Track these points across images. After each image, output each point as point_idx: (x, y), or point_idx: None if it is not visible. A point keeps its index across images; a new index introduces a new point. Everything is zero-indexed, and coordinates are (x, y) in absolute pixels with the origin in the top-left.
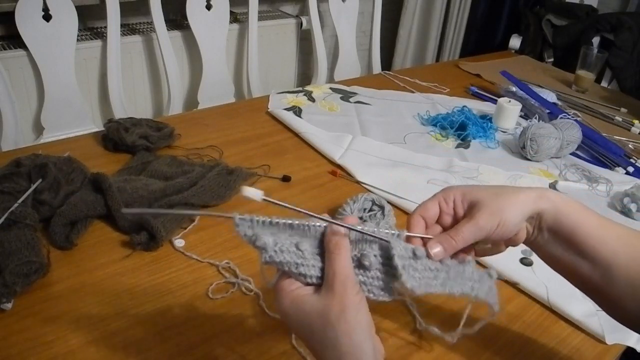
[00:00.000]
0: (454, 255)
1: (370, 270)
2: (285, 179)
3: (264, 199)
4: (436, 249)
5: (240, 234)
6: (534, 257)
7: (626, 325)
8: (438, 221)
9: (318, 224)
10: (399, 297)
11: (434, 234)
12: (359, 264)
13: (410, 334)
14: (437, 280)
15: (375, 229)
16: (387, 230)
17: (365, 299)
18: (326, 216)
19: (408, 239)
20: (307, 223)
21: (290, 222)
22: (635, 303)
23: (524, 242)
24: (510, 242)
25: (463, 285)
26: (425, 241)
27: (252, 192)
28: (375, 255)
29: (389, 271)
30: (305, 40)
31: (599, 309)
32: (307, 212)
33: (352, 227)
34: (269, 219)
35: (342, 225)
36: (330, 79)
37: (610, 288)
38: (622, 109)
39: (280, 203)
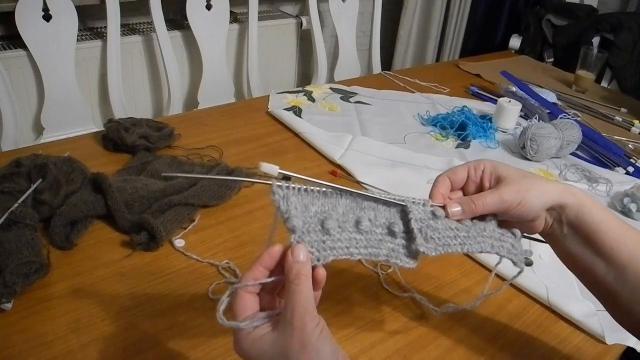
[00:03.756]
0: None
1: (397, 237)
2: (286, 179)
3: (281, 172)
4: (455, 209)
5: (275, 204)
6: (534, 258)
7: (631, 332)
8: (463, 189)
9: (354, 190)
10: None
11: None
12: (390, 231)
13: (410, 334)
14: (456, 239)
15: (396, 196)
16: (413, 199)
17: (327, 329)
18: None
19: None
20: (341, 187)
21: (324, 190)
22: None
23: (541, 234)
24: (527, 227)
25: (483, 244)
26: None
27: (268, 167)
28: (399, 224)
29: (411, 237)
30: (305, 40)
31: (600, 309)
32: (328, 183)
33: (371, 195)
34: (304, 187)
35: (361, 194)
36: (330, 79)
37: (622, 291)
38: (622, 109)
39: (299, 176)
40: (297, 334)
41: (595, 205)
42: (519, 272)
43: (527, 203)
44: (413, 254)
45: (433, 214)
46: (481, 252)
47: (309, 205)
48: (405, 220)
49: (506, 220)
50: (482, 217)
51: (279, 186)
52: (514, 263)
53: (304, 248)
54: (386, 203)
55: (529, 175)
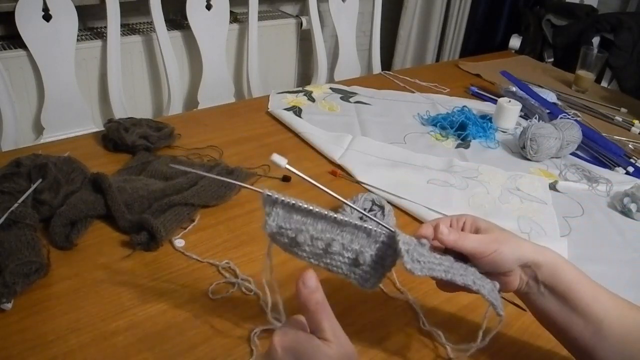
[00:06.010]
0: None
1: (359, 267)
2: (285, 179)
3: (287, 167)
4: (443, 227)
5: (262, 204)
6: None
7: None
8: None
9: (338, 217)
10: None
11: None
12: (355, 261)
13: (409, 336)
14: (440, 266)
15: (383, 224)
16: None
17: None
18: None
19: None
20: (329, 214)
21: (311, 208)
22: None
23: (517, 294)
24: (502, 283)
25: (465, 277)
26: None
27: (278, 159)
28: (370, 255)
29: (378, 264)
30: (305, 40)
31: None
32: (330, 192)
33: (366, 214)
34: (293, 201)
35: (357, 209)
36: (330, 79)
37: (600, 347)
38: (622, 109)
39: (303, 176)
40: (343, 349)
41: (569, 265)
42: (500, 322)
43: (502, 253)
44: (372, 281)
45: (419, 242)
46: (464, 284)
47: (293, 214)
48: (383, 250)
49: (482, 266)
50: (464, 262)
51: (269, 195)
52: (494, 307)
53: (313, 274)
54: (368, 233)
55: (507, 231)
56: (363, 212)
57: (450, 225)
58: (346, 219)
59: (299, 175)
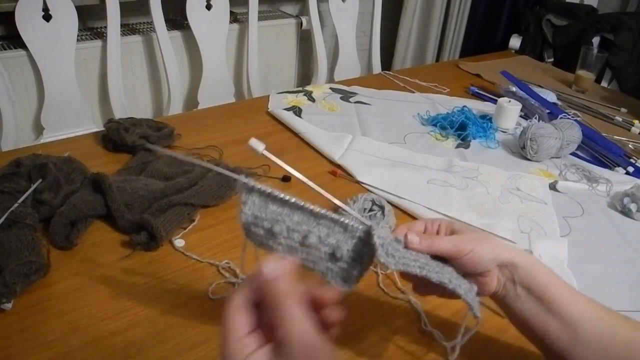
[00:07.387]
0: None
1: (337, 262)
2: (285, 179)
3: (264, 153)
4: (412, 236)
5: (238, 192)
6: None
7: None
8: None
9: (315, 208)
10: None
11: None
12: (332, 255)
13: (409, 336)
14: (416, 262)
15: (360, 218)
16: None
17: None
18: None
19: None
20: (306, 205)
21: (287, 198)
22: None
23: (494, 298)
24: (480, 284)
25: (441, 275)
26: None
27: (255, 144)
28: (347, 250)
29: (355, 261)
30: (305, 40)
31: None
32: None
33: (344, 207)
34: (269, 190)
35: (322, 213)
36: (330, 79)
37: (575, 351)
38: (622, 109)
39: (281, 163)
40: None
41: (545, 267)
42: (477, 324)
43: (478, 252)
44: (351, 279)
45: (395, 238)
46: (439, 281)
47: (269, 203)
48: (359, 247)
49: (459, 267)
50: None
51: (245, 183)
52: (470, 307)
53: (273, 261)
54: (345, 227)
55: (483, 232)
56: (353, 212)
57: (425, 229)
58: (323, 211)
59: (280, 164)
